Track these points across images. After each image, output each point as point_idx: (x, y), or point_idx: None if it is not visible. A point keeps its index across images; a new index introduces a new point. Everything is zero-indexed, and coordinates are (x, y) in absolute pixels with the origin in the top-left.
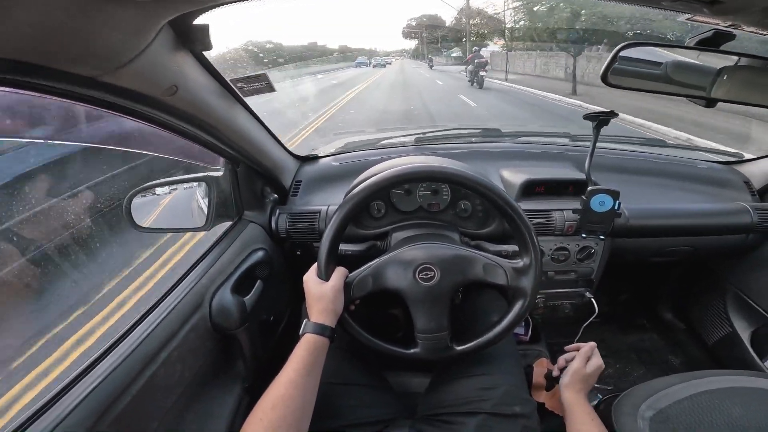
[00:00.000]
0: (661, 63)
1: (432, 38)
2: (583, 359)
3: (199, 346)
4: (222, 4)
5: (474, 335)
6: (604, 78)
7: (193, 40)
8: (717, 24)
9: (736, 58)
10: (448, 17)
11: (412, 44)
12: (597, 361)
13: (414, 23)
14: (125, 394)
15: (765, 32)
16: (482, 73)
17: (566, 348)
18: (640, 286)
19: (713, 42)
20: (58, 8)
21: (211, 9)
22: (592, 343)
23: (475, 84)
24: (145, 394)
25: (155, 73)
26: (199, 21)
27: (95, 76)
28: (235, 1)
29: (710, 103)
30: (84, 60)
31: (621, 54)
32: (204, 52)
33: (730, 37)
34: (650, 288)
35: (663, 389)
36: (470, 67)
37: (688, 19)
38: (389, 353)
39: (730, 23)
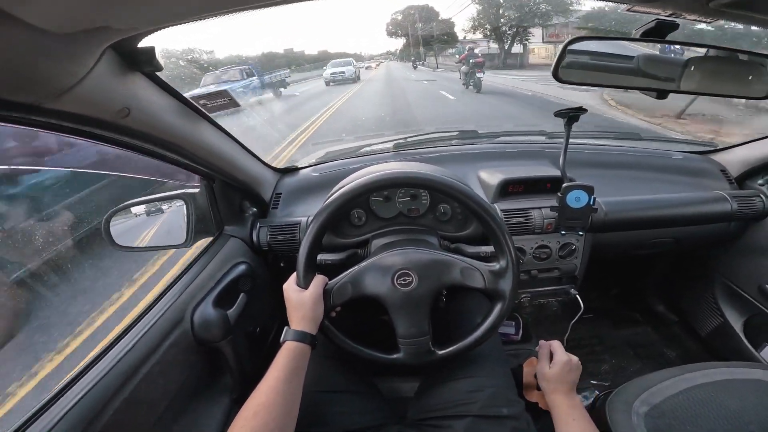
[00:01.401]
0: (633, 57)
1: (426, 34)
2: (544, 361)
3: (182, 359)
4: (160, 28)
5: (456, 339)
6: (555, 74)
7: (140, 63)
8: (658, 13)
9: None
10: (444, 8)
11: (399, 44)
12: (560, 357)
13: (400, 17)
14: (107, 408)
15: (707, 19)
16: (479, 74)
17: (536, 349)
18: (629, 281)
19: (658, 32)
20: None
21: (150, 33)
22: (542, 342)
23: (470, 87)
24: (128, 408)
25: (102, 97)
26: (144, 43)
27: (37, 103)
28: (172, 25)
29: (661, 94)
30: (21, 88)
31: (571, 48)
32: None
33: (674, 26)
34: (640, 282)
35: (656, 384)
36: (464, 67)
37: (628, 10)
38: (372, 359)
39: (670, 12)
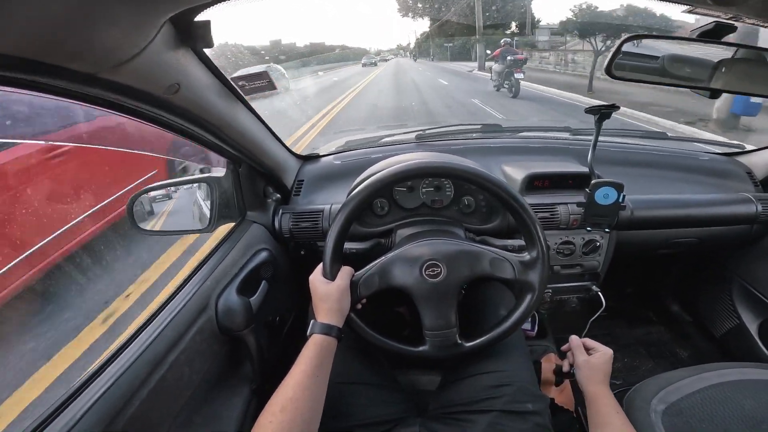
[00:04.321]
0: (658, 57)
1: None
2: (580, 351)
3: (206, 348)
4: (222, 0)
5: (482, 331)
6: (608, 71)
7: (195, 38)
8: (719, 16)
9: (733, 50)
10: None
11: (418, 28)
12: (604, 347)
13: None
14: (134, 398)
15: (766, 24)
16: (518, 75)
17: (563, 349)
18: (645, 279)
19: (714, 34)
20: (56, 1)
21: (212, 5)
22: (573, 336)
23: (504, 89)
24: (154, 398)
25: (157, 71)
26: (200, 18)
27: (94, 72)
28: None
29: (714, 93)
30: (82, 56)
31: (623, 48)
32: (205, 50)
33: (732, 29)
34: (656, 281)
35: (674, 382)
36: (497, 66)
37: (689, 11)
38: (398, 352)
39: (731, 15)
